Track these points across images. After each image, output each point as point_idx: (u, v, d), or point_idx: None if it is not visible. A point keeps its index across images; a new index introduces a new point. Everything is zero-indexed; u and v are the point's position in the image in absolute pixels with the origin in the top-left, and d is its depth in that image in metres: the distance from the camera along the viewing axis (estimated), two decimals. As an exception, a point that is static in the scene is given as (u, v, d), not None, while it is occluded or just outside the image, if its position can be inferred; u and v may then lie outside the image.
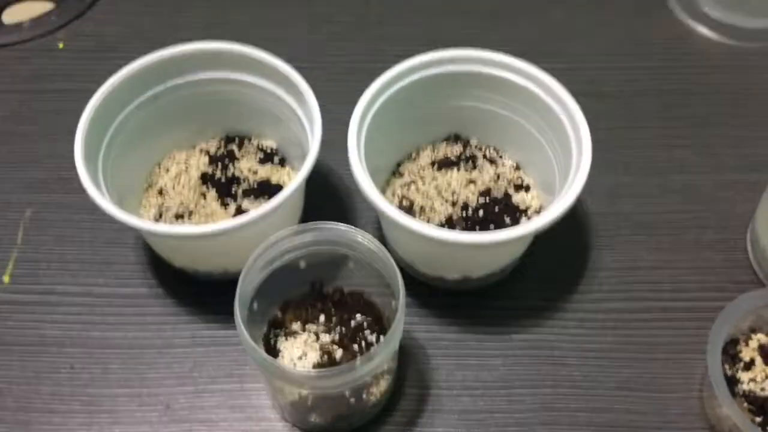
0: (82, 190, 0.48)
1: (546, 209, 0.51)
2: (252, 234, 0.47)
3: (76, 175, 0.48)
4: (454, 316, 0.53)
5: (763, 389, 0.46)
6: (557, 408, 0.49)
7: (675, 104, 0.64)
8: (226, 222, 0.46)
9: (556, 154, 0.53)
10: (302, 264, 0.48)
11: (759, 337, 0.48)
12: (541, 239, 0.51)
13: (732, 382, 0.47)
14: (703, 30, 0.68)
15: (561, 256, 0.56)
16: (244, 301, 0.44)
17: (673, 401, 0.49)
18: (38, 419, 0.49)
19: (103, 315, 0.53)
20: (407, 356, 0.51)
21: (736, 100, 0.64)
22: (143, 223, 0.47)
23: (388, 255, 0.44)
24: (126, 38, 0.69)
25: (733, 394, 0.46)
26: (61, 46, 0.68)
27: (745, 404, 0.46)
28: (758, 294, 0.47)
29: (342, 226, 0.46)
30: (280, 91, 0.54)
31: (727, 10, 0.68)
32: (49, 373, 0.51)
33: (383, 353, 0.42)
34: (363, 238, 0.45)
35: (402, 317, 0.43)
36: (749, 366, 0.47)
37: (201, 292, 0.54)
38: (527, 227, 0.46)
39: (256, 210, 0.46)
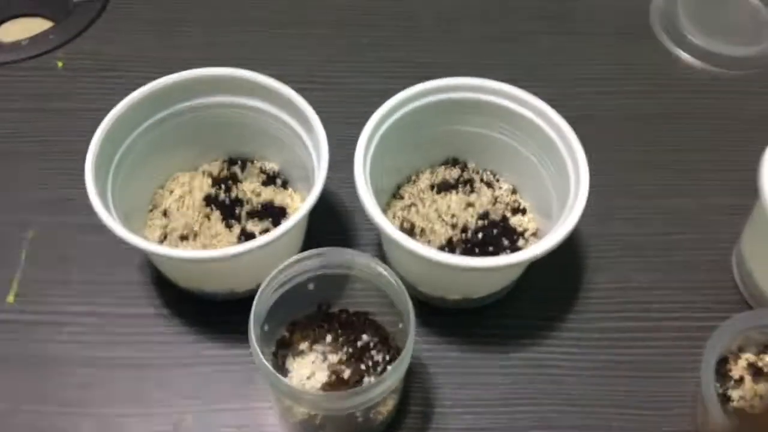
0: (85, 211, 0.49)
1: (545, 234, 0.53)
2: (260, 256, 0.49)
3: (80, 194, 0.49)
4: (455, 334, 0.55)
5: (752, 406, 0.49)
6: (556, 425, 0.51)
7: (662, 128, 0.66)
8: (236, 247, 0.47)
9: (552, 179, 0.54)
10: (310, 286, 0.49)
11: (747, 356, 0.51)
12: (536, 260, 0.53)
13: (723, 399, 0.49)
14: (686, 57, 0.71)
15: (556, 277, 0.57)
16: (257, 322, 0.45)
17: (667, 418, 0.51)
18: (46, 440, 0.50)
19: (109, 335, 0.54)
20: (411, 374, 0.52)
21: (718, 125, 0.66)
22: (154, 246, 0.48)
23: (398, 279, 0.46)
24: (125, 57, 0.69)
25: (724, 411, 0.48)
26: (60, 65, 0.69)
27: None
28: (749, 315, 0.49)
29: (350, 251, 0.47)
30: (284, 115, 0.55)
31: (709, 37, 0.70)
32: (56, 392, 0.51)
33: (395, 375, 0.44)
34: (372, 261, 0.47)
35: (412, 340, 0.44)
36: (739, 384, 0.49)
37: (206, 312, 0.55)
38: (530, 253, 0.48)
39: (266, 236, 0.47)
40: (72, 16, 0.72)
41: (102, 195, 0.50)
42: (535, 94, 0.54)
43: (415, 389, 0.52)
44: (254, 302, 0.45)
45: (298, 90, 0.54)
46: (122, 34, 0.71)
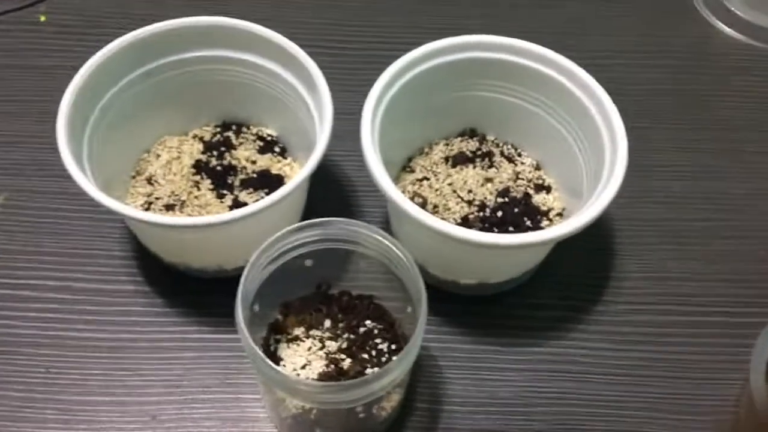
0: (61, 176, 0.44)
1: (572, 214, 0.48)
2: (251, 228, 0.43)
3: (56, 159, 0.44)
4: (468, 324, 0.49)
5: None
6: (579, 429, 0.46)
7: (699, 106, 0.61)
8: (224, 214, 0.42)
9: (583, 153, 0.49)
10: (308, 263, 0.44)
11: (801, 358, 0.45)
12: (562, 243, 0.47)
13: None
14: (729, 30, 0.65)
15: (583, 263, 0.52)
16: (245, 302, 0.39)
17: (704, 425, 0.46)
18: (8, 428, 0.44)
19: (82, 313, 0.49)
20: (418, 367, 0.47)
21: (764, 104, 0.61)
22: (135, 212, 0.42)
23: (409, 255, 0.40)
24: (112, 14, 0.64)
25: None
26: (43, 18, 0.63)
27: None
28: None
29: (355, 222, 0.42)
30: (285, 73, 0.50)
31: (756, 10, 0.65)
32: (21, 376, 0.46)
33: (401, 366, 0.38)
34: (379, 235, 0.41)
35: (423, 326, 0.39)
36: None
37: (192, 290, 0.50)
38: (555, 231, 0.43)
39: (258, 202, 0.42)
40: (59, -33, 0.66)
41: (77, 157, 0.44)
42: (563, 62, 0.49)
43: (422, 384, 0.47)
44: (242, 278, 0.39)
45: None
46: (111, -11, 0.65)
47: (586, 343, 0.49)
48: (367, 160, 0.44)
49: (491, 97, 0.52)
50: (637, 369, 0.48)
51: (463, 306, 0.50)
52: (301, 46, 0.49)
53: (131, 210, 0.42)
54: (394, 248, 0.40)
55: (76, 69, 0.47)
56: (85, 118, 0.47)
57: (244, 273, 0.39)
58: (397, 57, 0.49)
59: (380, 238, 0.41)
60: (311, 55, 0.49)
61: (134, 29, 0.49)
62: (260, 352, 0.37)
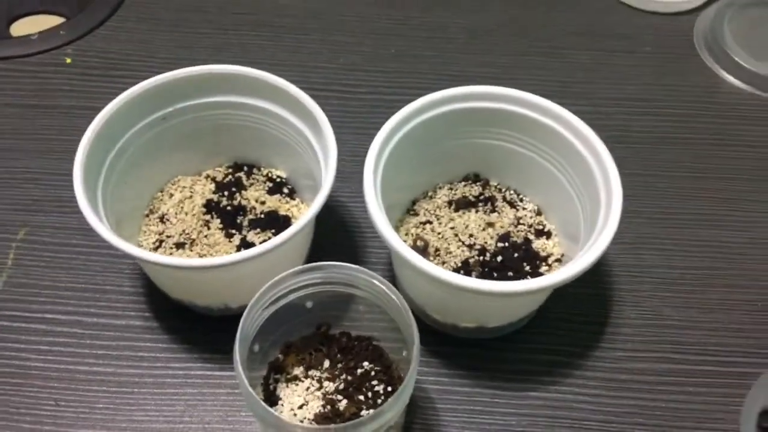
0: (79, 212, 0.45)
1: (570, 259, 0.49)
2: (258, 268, 0.45)
3: (73, 196, 0.45)
4: (466, 367, 0.50)
5: (800, 467, 0.43)
6: (575, 475, 0.46)
7: (703, 155, 0.61)
8: (231, 256, 0.43)
9: (581, 200, 0.50)
10: (309, 304, 0.45)
11: (795, 410, 0.45)
12: (560, 289, 0.48)
13: (766, 457, 0.43)
14: (732, 80, 0.66)
15: (581, 309, 0.52)
16: (245, 341, 0.41)
17: (700, 473, 0.46)
18: (16, 459, 0.46)
19: (92, 347, 0.50)
20: (414, 408, 0.48)
21: (765, 153, 0.61)
22: (142, 252, 0.43)
23: (403, 300, 0.41)
24: (135, 57, 0.66)
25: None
26: (68, 60, 0.66)
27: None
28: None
29: (353, 267, 0.43)
30: (294, 119, 0.51)
31: (760, 61, 0.65)
32: (31, 408, 0.47)
33: (394, 409, 0.39)
34: (376, 280, 0.42)
35: (416, 369, 0.40)
36: (784, 441, 0.44)
37: (197, 328, 0.51)
38: (553, 279, 0.43)
39: (264, 244, 0.43)
40: (85, 12, 0.69)
41: (91, 196, 0.46)
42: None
43: (418, 425, 0.47)
44: (242, 319, 0.40)
45: (314, 98, 0.50)
46: (134, 33, 0.68)
47: (584, 389, 0.49)
48: (369, 208, 0.45)
49: (494, 144, 0.53)
50: (634, 416, 0.48)
51: (462, 349, 0.50)
52: (313, 89, 0.51)
53: (136, 250, 0.43)
54: (389, 293, 0.42)
55: (98, 109, 0.48)
56: (103, 160, 0.48)
57: (244, 315, 0.41)
58: (404, 102, 0.50)
59: (377, 282, 0.42)
60: (322, 98, 0.50)
61: (156, 72, 0.50)
62: (253, 392, 0.38)
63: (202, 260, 0.43)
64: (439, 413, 0.48)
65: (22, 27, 0.73)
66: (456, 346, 0.50)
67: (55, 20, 0.73)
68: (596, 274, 0.54)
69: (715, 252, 0.55)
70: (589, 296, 0.53)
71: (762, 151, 0.62)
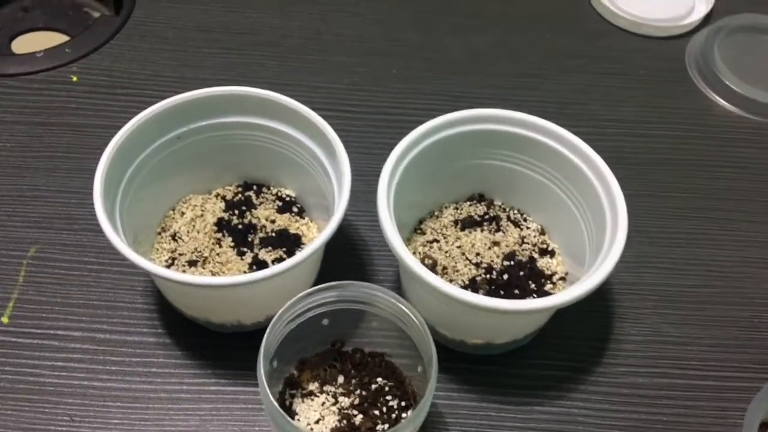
0: (89, 229, 0.46)
1: (575, 278, 0.50)
2: (274, 286, 0.45)
3: (85, 213, 0.46)
4: (475, 382, 0.51)
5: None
6: (581, 487, 0.47)
7: (697, 175, 0.63)
8: (247, 275, 0.44)
9: (585, 221, 0.51)
10: (325, 321, 0.46)
11: (792, 423, 0.47)
12: (564, 307, 0.49)
13: (766, 469, 0.45)
14: (723, 103, 0.68)
15: (584, 326, 0.54)
16: (267, 358, 0.42)
17: (701, 485, 0.48)
18: (31, 475, 0.46)
19: (105, 363, 0.51)
20: (425, 422, 0.48)
21: (758, 174, 0.64)
22: (168, 272, 0.44)
23: (422, 319, 0.42)
24: (141, 75, 0.67)
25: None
26: (75, 78, 0.66)
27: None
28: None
29: (372, 286, 0.44)
30: (306, 139, 0.53)
31: (749, 84, 0.68)
32: (46, 424, 0.48)
33: (412, 425, 0.40)
34: (394, 299, 0.43)
35: (434, 386, 0.41)
36: (783, 453, 0.46)
37: (210, 343, 0.52)
38: (559, 299, 0.45)
39: (283, 263, 0.44)
40: (90, 30, 0.70)
41: (110, 214, 0.47)
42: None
43: (429, 440, 0.49)
44: (265, 336, 0.41)
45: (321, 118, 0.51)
46: (140, 51, 0.69)
47: (588, 403, 0.50)
48: (383, 225, 0.46)
49: (499, 166, 0.55)
50: (636, 430, 0.49)
51: (471, 364, 0.52)
52: (317, 109, 0.52)
53: (160, 269, 0.44)
54: (407, 311, 0.43)
55: (105, 127, 0.49)
56: (120, 179, 0.49)
57: (267, 331, 0.41)
58: (407, 121, 0.52)
59: (395, 301, 0.43)
60: (327, 117, 0.51)
61: (161, 90, 0.52)
62: (279, 408, 0.39)
63: (224, 278, 0.44)
64: (448, 426, 0.49)
65: (24, 43, 0.73)
66: (464, 362, 0.52)
67: (56, 37, 0.73)
68: (598, 292, 0.54)
69: (711, 270, 0.57)
70: (592, 314, 0.54)
71: (751, 172, 0.64)
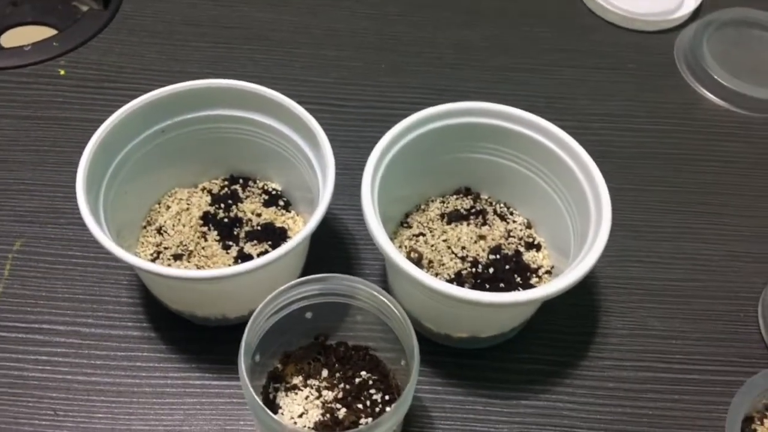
0: (75, 223, 0.46)
1: (560, 272, 0.50)
2: (257, 279, 0.45)
3: (70, 206, 0.46)
4: (460, 376, 0.51)
5: (781, 471, 0.45)
6: (565, 481, 0.47)
7: (684, 169, 0.63)
8: (235, 267, 0.44)
9: (571, 214, 0.51)
10: (308, 315, 0.46)
11: (775, 416, 0.47)
12: (550, 300, 0.49)
13: (749, 462, 0.45)
14: (711, 97, 0.68)
15: (570, 319, 0.54)
16: (248, 352, 0.42)
17: (685, 478, 0.48)
18: (15, 469, 0.46)
19: (90, 358, 0.51)
20: (410, 416, 0.49)
21: (745, 169, 0.64)
22: (150, 265, 0.44)
23: (404, 313, 0.42)
24: (129, 69, 0.67)
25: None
26: (62, 72, 0.66)
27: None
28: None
29: (354, 279, 0.44)
30: (291, 133, 0.52)
31: (737, 78, 0.68)
32: (29, 418, 0.48)
33: (394, 417, 0.40)
34: (377, 292, 0.43)
35: (416, 379, 0.41)
36: (766, 446, 0.46)
37: (195, 337, 0.52)
38: (544, 291, 0.45)
39: (266, 256, 0.44)
40: (78, 24, 0.70)
41: (93, 208, 0.47)
42: (552, 125, 0.51)
43: (414, 433, 0.49)
44: (246, 329, 0.41)
45: (307, 111, 0.51)
46: (128, 45, 0.69)
47: (573, 397, 0.51)
48: (368, 220, 0.46)
49: (486, 159, 0.55)
50: (621, 423, 0.49)
51: (456, 358, 0.52)
52: (305, 102, 0.52)
53: (142, 262, 0.44)
54: (390, 305, 0.43)
55: (92, 121, 0.49)
56: (103, 173, 0.49)
57: (248, 325, 0.41)
58: (395, 115, 0.51)
59: (377, 294, 0.43)
60: (313, 111, 0.51)
61: (149, 84, 0.51)
62: (260, 402, 0.39)
63: (208, 272, 0.44)
64: (434, 421, 0.49)
65: (12, 37, 0.73)
66: (450, 356, 0.52)
67: (45, 31, 0.73)
68: (584, 286, 0.55)
69: (697, 264, 0.57)
70: (578, 307, 0.55)
71: (738, 166, 0.64)
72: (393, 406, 0.40)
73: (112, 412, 0.48)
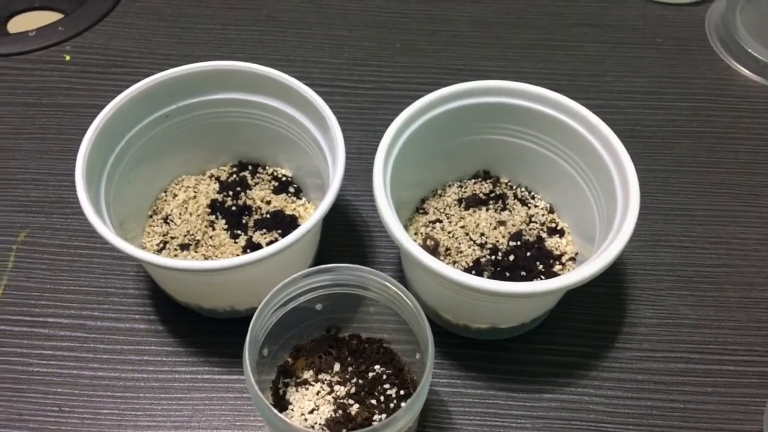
0: (80, 214, 0.44)
1: (585, 259, 0.48)
2: (266, 270, 0.43)
3: (76, 197, 0.44)
4: (479, 369, 0.49)
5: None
6: (592, 479, 0.45)
7: (717, 149, 0.60)
8: (239, 258, 0.42)
9: (596, 198, 0.49)
10: (318, 306, 0.44)
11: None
12: (574, 288, 0.47)
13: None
14: (745, 71, 0.65)
15: (596, 308, 0.51)
16: (254, 345, 0.39)
17: (720, 476, 0.45)
18: (19, 467, 0.45)
19: (96, 352, 0.49)
20: (427, 411, 0.47)
21: (782, 147, 0.60)
22: (147, 255, 0.42)
23: (417, 304, 0.40)
24: (136, 54, 0.65)
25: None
26: (67, 58, 0.64)
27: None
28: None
29: (365, 269, 0.42)
30: (300, 117, 0.50)
31: (773, 52, 0.64)
32: (34, 414, 0.46)
33: (409, 414, 0.38)
34: (389, 282, 0.41)
35: (430, 373, 0.39)
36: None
37: (204, 330, 0.50)
38: (568, 280, 0.42)
39: (273, 246, 0.42)
40: (83, 8, 0.68)
41: (94, 197, 0.45)
42: (577, 105, 0.49)
43: (431, 429, 0.46)
44: (252, 323, 0.39)
45: (318, 94, 0.49)
46: (134, 29, 0.67)
47: (599, 390, 0.48)
48: (379, 206, 0.44)
49: (505, 141, 0.52)
50: (651, 418, 0.47)
51: (475, 350, 0.49)
52: (316, 85, 0.50)
53: (142, 253, 0.42)
54: (402, 296, 0.40)
55: (98, 108, 0.47)
56: (105, 159, 0.47)
57: (253, 319, 0.39)
58: (410, 97, 0.49)
59: (389, 284, 0.41)
60: (325, 94, 0.49)
61: (156, 69, 0.49)
62: (263, 398, 0.37)
63: (209, 263, 0.42)
64: (452, 416, 0.47)
65: (19, 23, 0.71)
66: (468, 348, 0.49)
67: (53, 16, 0.71)
68: (611, 273, 0.52)
69: (732, 249, 0.54)
70: (604, 295, 0.52)
71: (776, 144, 0.60)
72: (407, 402, 0.38)
73: (118, 408, 0.47)
